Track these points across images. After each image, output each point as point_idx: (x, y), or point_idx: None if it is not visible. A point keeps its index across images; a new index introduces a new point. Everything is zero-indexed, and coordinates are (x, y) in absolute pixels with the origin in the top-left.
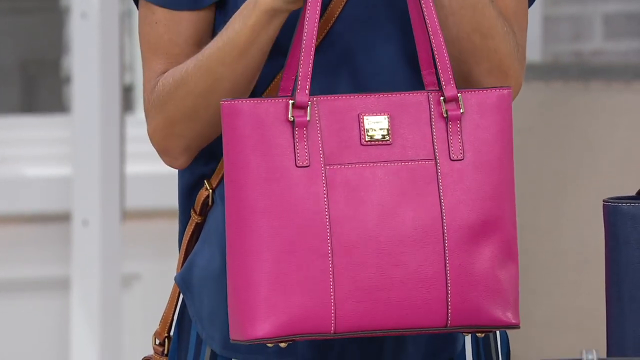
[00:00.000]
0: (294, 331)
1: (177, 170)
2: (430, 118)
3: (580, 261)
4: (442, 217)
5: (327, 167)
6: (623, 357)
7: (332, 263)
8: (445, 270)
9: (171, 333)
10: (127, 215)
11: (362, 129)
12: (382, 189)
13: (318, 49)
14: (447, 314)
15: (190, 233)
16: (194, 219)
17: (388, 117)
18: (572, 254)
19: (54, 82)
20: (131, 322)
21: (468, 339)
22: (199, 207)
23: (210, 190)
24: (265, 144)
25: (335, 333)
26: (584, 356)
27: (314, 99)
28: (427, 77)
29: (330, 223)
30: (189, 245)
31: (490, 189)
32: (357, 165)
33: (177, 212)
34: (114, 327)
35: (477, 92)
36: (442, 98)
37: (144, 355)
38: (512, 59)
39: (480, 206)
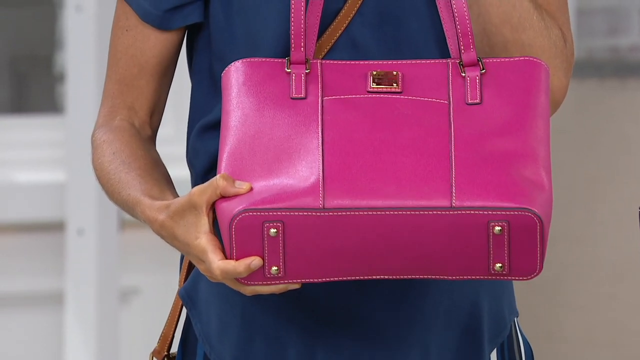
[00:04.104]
0: (279, 202)
1: (182, 175)
2: (448, 76)
3: (615, 272)
4: (450, 141)
5: (325, 97)
6: None
7: (323, 145)
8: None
9: (171, 352)
10: (125, 224)
11: (369, 80)
12: (382, 112)
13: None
14: (451, 189)
15: None
16: None
17: (400, 73)
18: (607, 264)
19: (47, 80)
20: (130, 340)
21: (494, 355)
22: None
23: None
24: (260, 87)
25: (324, 208)
26: None
27: (319, 61)
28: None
29: (322, 126)
30: None
31: (512, 130)
32: (358, 97)
33: None
34: (112, 345)
35: (503, 58)
36: (459, 62)
37: None
38: (550, 55)
39: (498, 139)
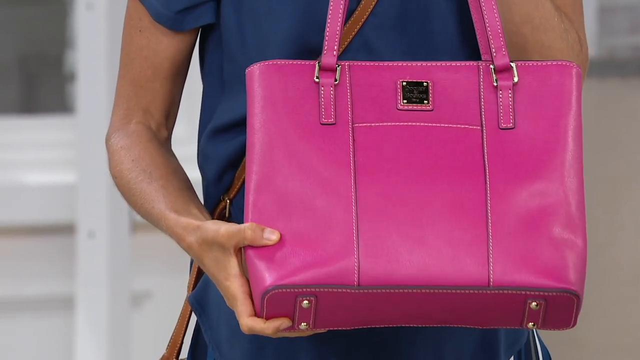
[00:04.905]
0: (314, 280)
1: (195, 177)
2: (479, 87)
3: (637, 275)
4: (486, 198)
5: (355, 125)
6: None
7: (357, 203)
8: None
9: (180, 358)
10: (137, 226)
11: (399, 93)
12: (414, 150)
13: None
14: (489, 264)
15: None
16: None
17: (430, 83)
18: (628, 267)
19: (57, 79)
20: (141, 344)
21: None
22: (215, 219)
23: (228, 201)
24: (288, 104)
25: (359, 285)
26: None
27: (347, 63)
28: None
29: (355, 177)
30: None
31: (545, 165)
32: (389, 125)
33: None
34: (123, 350)
35: (534, 62)
36: (492, 67)
37: None
38: (567, 58)
39: (532, 184)
